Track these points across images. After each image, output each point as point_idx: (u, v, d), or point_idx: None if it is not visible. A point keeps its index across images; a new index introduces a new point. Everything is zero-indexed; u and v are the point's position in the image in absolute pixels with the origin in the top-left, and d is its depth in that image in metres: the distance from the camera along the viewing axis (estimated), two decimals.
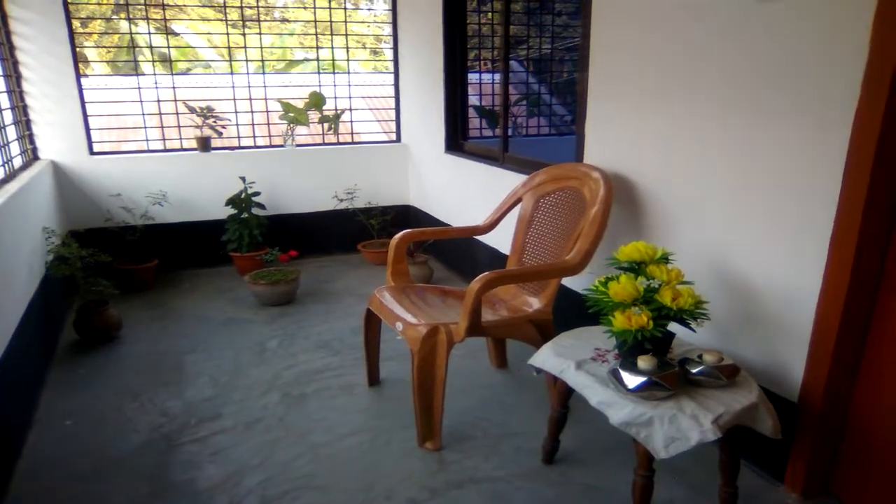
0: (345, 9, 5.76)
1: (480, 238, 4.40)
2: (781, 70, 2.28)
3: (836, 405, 2.33)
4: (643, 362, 2.11)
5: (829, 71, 2.12)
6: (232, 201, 5.17)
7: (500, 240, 3.98)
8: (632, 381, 2.09)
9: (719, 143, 2.57)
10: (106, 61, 9.22)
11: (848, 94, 2.06)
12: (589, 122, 3.33)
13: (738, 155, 2.49)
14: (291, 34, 10.78)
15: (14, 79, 4.60)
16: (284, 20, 10.77)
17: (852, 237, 2.09)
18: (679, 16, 2.71)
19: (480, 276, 2.65)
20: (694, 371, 2.17)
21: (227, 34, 5.55)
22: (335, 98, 5.79)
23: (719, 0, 2.50)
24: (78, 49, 4.98)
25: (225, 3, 5.46)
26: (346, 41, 5.84)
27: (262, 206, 5.30)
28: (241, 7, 5.45)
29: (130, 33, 5.27)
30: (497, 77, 4.39)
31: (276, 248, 4.86)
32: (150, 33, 5.45)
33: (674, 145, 2.81)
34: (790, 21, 2.23)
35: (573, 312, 3.00)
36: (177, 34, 9.90)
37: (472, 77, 5.48)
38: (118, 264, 4.84)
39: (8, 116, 4.32)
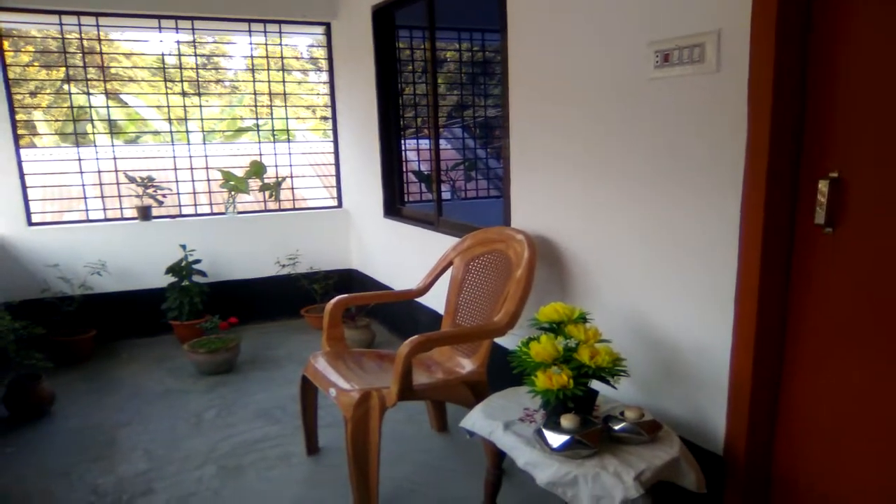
0: (283, 81, 5.87)
1: (421, 300, 4.44)
2: (675, 141, 2.43)
3: (759, 456, 2.38)
4: (566, 421, 2.15)
5: (717, 141, 2.26)
6: (172, 269, 5.14)
7: (439, 301, 4.02)
8: (555, 440, 2.13)
9: (628, 206, 2.69)
10: (55, 133, 9.17)
11: (735, 163, 2.20)
12: (513, 187, 3.45)
13: (647, 218, 2.60)
14: (240, 103, 10.88)
15: None
16: (234, 90, 10.87)
17: (753, 294, 2.19)
18: (583, 88, 2.87)
19: (408, 340, 2.68)
20: (616, 428, 2.22)
21: (168, 106, 5.60)
22: (276, 166, 5.86)
23: (616, 75, 2.67)
24: (26, 119, 4.98)
25: (165, 76, 5.54)
26: (286, 111, 5.95)
27: (203, 274, 5.27)
28: (181, 81, 5.53)
29: (71, 106, 5.28)
30: (431, 143, 4.52)
31: (216, 315, 4.82)
32: (90, 105, 5.49)
33: (588, 209, 2.92)
34: (679, 95, 2.39)
35: (508, 371, 3.04)
36: (124, 103, 9.92)
37: (414, 142, 5.62)
38: (54, 336, 4.74)
39: None
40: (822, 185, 2.04)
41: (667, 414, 2.60)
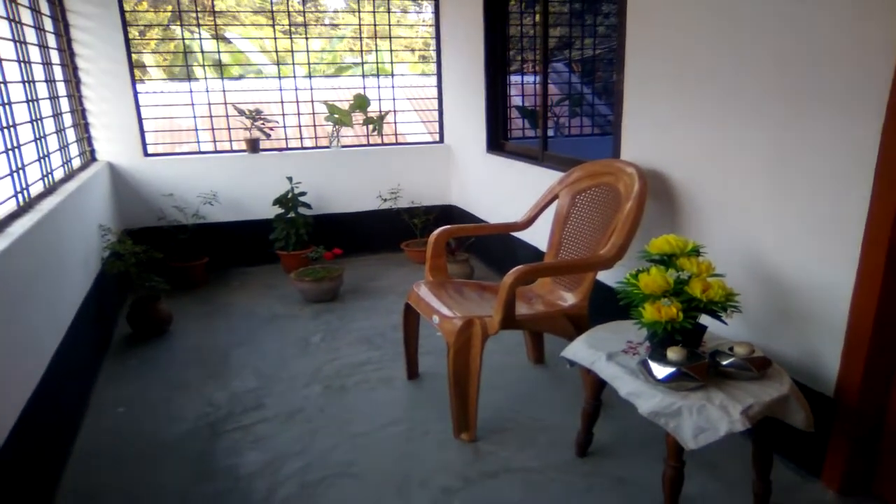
0: (388, 12, 5.85)
1: (520, 236, 4.44)
2: (808, 65, 2.27)
3: (873, 402, 2.29)
4: (672, 353, 2.12)
5: (859, 64, 2.10)
6: (279, 201, 5.31)
7: (540, 237, 4.01)
8: (661, 371, 2.10)
9: (751, 139, 2.56)
10: (162, 67, 9.52)
11: (879, 89, 2.04)
12: (625, 120, 3.35)
13: (771, 151, 2.48)
14: (341, 38, 10.96)
15: (74, 83, 4.82)
16: (334, 26, 10.94)
17: (885, 234, 2.07)
18: (706, 16, 2.73)
19: (514, 269, 2.69)
20: (724, 363, 2.17)
21: (275, 39, 5.70)
22: (379, 100, 5.90)
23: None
24: (136, 56, 5.19)
25: (272, 11, 5.62)
26: (391, 45, 5.95)
27: (308, 206, 5.43)
28: (289, 12, 5.60)
29: (183, 40, 5.46)
30: (538, 78, 4.43)
31: (320, 246, 4.97)
32: (200, 40, 5.64)
33: (707, 142, 2.81)
34: (819, 12, 2.22)
35: (609, 307, 3.01)
36: (229, 41, 10.16)
37: (517, 78, 5.52)
38: (170, 262, 5.02)
39: (68, 119, 4.53)
40: None
41: (776, 353, 2.53)
